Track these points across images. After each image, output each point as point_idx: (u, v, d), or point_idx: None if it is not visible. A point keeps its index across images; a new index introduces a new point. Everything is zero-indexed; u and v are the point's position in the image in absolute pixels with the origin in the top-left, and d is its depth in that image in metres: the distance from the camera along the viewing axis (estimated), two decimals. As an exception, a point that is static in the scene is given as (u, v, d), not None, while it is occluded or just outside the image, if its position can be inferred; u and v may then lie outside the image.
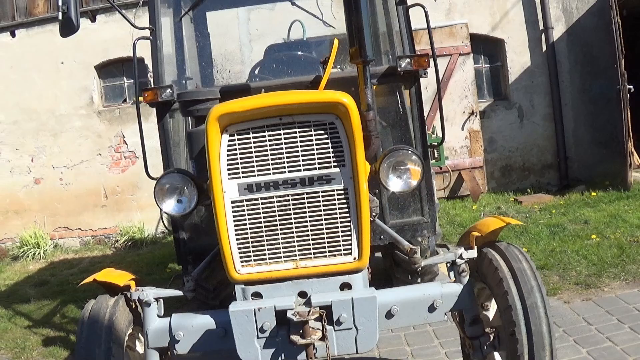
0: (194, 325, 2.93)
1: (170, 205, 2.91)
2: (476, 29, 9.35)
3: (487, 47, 9.70)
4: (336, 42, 2.84)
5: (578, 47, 9.28)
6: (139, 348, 3.22)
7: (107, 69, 9.78)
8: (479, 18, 9.35)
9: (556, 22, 9.22)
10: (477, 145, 9.58)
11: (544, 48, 9.29)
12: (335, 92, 2.73)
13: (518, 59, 9.40)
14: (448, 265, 3.07)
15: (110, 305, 2.98)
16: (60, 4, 3.82)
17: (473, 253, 3.04)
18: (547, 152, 9.54)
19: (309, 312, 2.61)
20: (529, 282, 2.81)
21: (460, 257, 3.00)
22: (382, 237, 4.17)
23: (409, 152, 2.87)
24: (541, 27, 9.29)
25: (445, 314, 2.99)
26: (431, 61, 4.03)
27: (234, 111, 2.65)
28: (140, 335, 3.15)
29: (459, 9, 9.40)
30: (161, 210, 2.94)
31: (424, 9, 4.05)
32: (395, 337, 4.55)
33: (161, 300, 3.04)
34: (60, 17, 3.82)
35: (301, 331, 2.61)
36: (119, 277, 3.08)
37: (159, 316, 3.02)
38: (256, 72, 5.12)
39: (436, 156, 8.23)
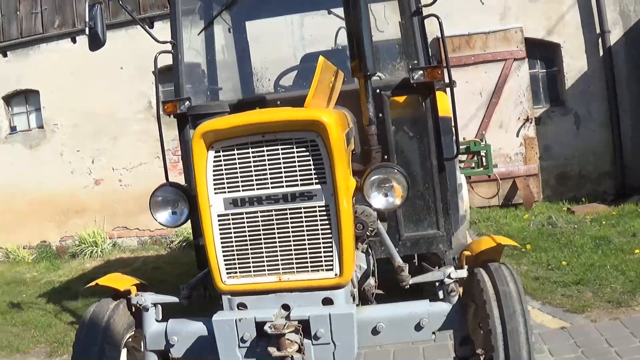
0: (188, 331, 3.06)
1: (164, 216, 3.05)
2: (531, 33, 9.07)
3: (543, 52, 9.38)
4: (321, 59, 2.86)
5: (636, 50, 8.81)
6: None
7: (165, 75, 10.14)
8: (534, 22, 9.06)
9: (613, 25, 8.80)
10: (532, 152, 9.29)
11: (601, 52, 8.89)
12: (316, 111, 2.77)
13: (574, 63, 9.05)
14: (437, 284, 3.03)
15: (111, 308, 3.16)
16: (87, 19, 4.08)
17: (462, 273, 3.00)
18: (604, 159, 9.13)
19: (285, 325, 2.67)
20: (512, 306, 2.75)
21: (449, 276, 2.97)
22: (396, 249, 4.18)
23: (394, 170, 2.87)
24: (598, 30, 8.89)
25: (433, 333, 2.96)
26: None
27: (218, 128, 2.75)
28: (144, 337, 3.32)
29: (514, 13, 9.14)
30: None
31: (438, 20, 4.00)
32: (383, 353, 4.56)
33: (159, 305, 3.19)
34: (87, 32, 4.08)
35: (277, 343, 2.68)
36: (121, 282, 3.26)
37: (157, 320, 3.18)
38: (280, 82, 5.22)
39: (484, 164, 8.09)
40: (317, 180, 2.75)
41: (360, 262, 3.41)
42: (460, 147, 8.20)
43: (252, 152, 2.78)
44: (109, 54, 9.96)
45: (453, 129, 4.14)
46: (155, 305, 3.18)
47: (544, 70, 9.50)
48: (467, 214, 5.49)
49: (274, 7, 6.14)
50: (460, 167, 8.42)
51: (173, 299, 3.22)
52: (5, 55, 10.46)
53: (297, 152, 2.75)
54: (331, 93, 3.50)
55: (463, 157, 8.75)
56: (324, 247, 2.80)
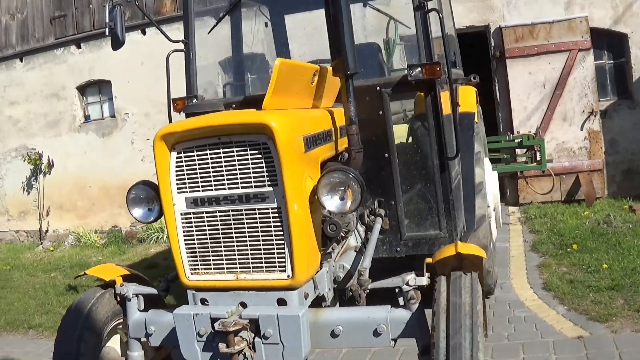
0: (163, 322, 3.20)
1: (139, 212, 3.18)
2: (597, 22, 8.55)
3: (609, 42, 8.82)
4: (278, 62, 2.87)
5: None
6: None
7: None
8: (600, 11, 8.52)
9: (684, 13, 8.13)
10: (597, 146, 8.81)
11: (671, 42, 8.24)
12: (266, 114, 2.80)
13: (643, 54, 8.45)
14: (397, 291, 2.97)
15: (96, 297, 3.36)
16: (107, 21, 4.30)
17: (422, 280, 2.93)
18: (673, 155, 8.49)
19: (233, 323, 2.74)
20: (460, 319, 2.65)
21: (407, 283, 2.91)
22: (398, 249, 4.13)
23: (348, 174, 2.83)
24: (667, 19, 8.24)
25: (393, 340, 2.92)
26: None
27: (175, 131, 2.85)
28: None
29: (579, 2, 8.64)
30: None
31: (439, 15, 3.88)
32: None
33: (141, 296, 3.35)
34: (107, 33, 4.30)
35: (226, 340, 2.76)
36: (108, 272, 3.45)
37: (140, 310, 3.35)
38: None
39: (538, 159, 7.75)
40: (269, 183, 2.79)
41: (343, 261, 3.42)
42: (514, 140, 7.95)
43: (210, 154, 2.86)
44: (177, 45, 10.42)
45: (454, 128, 4.01)
46: (137, 295, 3.34)
47: (611, 62, 8.95)
48: (493, 213, 5.31)
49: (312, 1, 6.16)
50: (506, 163, 8.12)
51: (153, 291, 3.37)
52: (79, 47, 11.10)
53: (251, 154, 2.79)
54: (319, 92, 3.50)
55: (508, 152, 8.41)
56: (277, 249, 2.84)
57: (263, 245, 2.86)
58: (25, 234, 11.88)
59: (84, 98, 11.46)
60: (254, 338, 2.80)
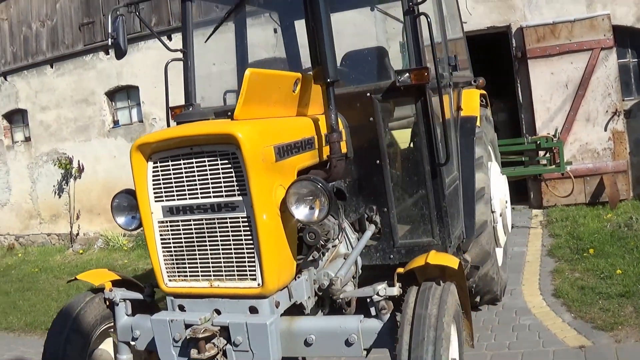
0: (148, 326, 3.24)
1: (122, 220, 3.26)
2: (620, 20, 8.32)
3: (633, 40, 8.56)
4: (248, 72, 2.89)
5: None
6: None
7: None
8: (623, 8, 8.29)
9: None
10: (622, 147, 8.57)
11: (697, 39, 7.95)
12: (234, 124, 2.83)
13: (668, 51, 8.18)
14: (368, 301, 2.94)
15: (85, 301, 3.45)
16: (109, 31, 4.41)
17: (393, 290, 2.89)
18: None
19: (203, 330, 2.78)
20: (424, 332, 2.61)
21: (378, 293, 2.88)
22: (391, 256, 4.10)
23: (314, 183, 2.82)
24: (693, 15, 7.96)
25: (366, 350, 2.89)
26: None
27: (149, 142, 2.91)
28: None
29: None
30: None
31: (427, 19, 3.84)
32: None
33: (128, 301, 3.43)
34: (109, 43, 4.41)
35: (197, 346, 2.80)
36: (98, 277, 3.52)
37: (127, 315, 3.43)
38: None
39: (557, 162, 7.59)
40: (238, 192, 2.81)
41: (330, 269, 3.42)
42: (533, 142, 7.79)
43: (184, 164, 2.91)
44: (202, 50, 10.57)
45: (444, 134, 3.95)
46: (125, 300, 3.41)
47: (635, 60, 8.70)
48: (500, 219, 5.21)
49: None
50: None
51: (139, 296, 3.44)
52: (107, 53, 11.36)
53: (221, 164, 2.83)
54: (304, 99, 3.51)
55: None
56: (247, 258, 2.87)
57: (235, 253, 2.89)
58: (56, 237, 12.23)
59: (113, 103, 11.73)
60: (225, 345, 2.84)
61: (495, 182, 5.31)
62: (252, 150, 2.73)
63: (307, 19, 3.28)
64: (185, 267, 3.02)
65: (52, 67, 12.05)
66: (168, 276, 3.07)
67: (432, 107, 3.89)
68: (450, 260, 3.00)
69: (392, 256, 4.07)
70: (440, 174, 3.94)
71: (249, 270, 2.87)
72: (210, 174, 2.86)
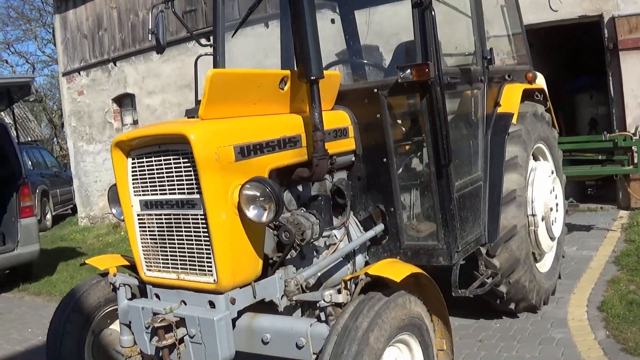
0: None
1: (115, 210, 3.49)
2: None
3: None
4: (210, 73, 2.95)
5: None
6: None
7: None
8: None
9: None
10: None
11: None
12: (188, 125, 2.92)
13: None
14: (318, 306, 2.92)
15: (90, 284, 3.75)
16: (150, 27, 4.68)
17: (339, 297, 2.85)
18: None
19: (160, 319, 2.94)
20: (345, 345, 2.56)
21: (324, 299, 2.86)
22: (397, 257, 4.02)
23: (262, 185, 2.85)
24: None
25: (315, 354, 2.84)
26: None
27: (123, 140, 3.10)
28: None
29: None
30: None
31: (432, 13, 3.66)
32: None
33: (128, 285, 3.67)
34: (150, 38, 4.70)
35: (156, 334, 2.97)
36: (105, 262, 3.79)
37: (128, 299, 3.67)
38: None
39: (635, 162, 6.95)
40: (196, 190, 2.92)
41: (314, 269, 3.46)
42: (611, 141, 7.19)
43: (155, 161, 3.06)
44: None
45: (444, 133, 3.78)
46: (125, 285, 3.66)
47: None
48: (542, 223, 4.90)
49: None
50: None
51: (136, 282, 3.67)
52: (208, 40, 11.82)
53: (183, 162, 2.95)
54: (297, 96, 3.52)
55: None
56: (205, 254, 2.98)
57: (196, 249, 3.01)
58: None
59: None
60: (185, 335, 2.98)
61: (541, 184, 4.99)
62: (204, 150, 2.81)
63: (291, 14, 3.26)
64: (159, 259, 3.19)
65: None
66: (146, 266, 3.26)
67: (439, 104, 3.73)
68: (395, 273, 2.88)
69: (398, 257, 4.00)
70: (447, 175, 3.80)
71: (207, 266, 2.98)
72: (175, 172, 2.99)
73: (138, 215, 3.22)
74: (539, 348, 4.39)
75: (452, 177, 3.86)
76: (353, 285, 2.93)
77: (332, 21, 6.39)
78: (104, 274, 3.77)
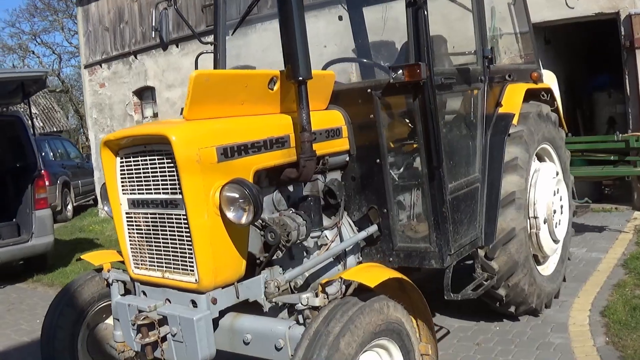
0: None
1: (107, 207, 3.54)
2: None
3: None
4: (193, 74, 2.96)
5: None
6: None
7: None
8: None
9: None
10: None
11: None
12: (169, 126, 2.94)
13: None
14: (296, 309, 2.94)
15: (85, 279, 3.82)
16: (153, 24, 4.73)
17: (315, 301, 2.86)
18: None
19: (142, 317, 2.98)
20: (315, 349, 2.56)
21: (301, 302, 2.88)
22: (390, 259, 4.01)
23: (240, 187, 2.85)
24: None
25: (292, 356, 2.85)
26: None
27: (110, 139, 3.14)
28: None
29: None
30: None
31: (424, 12, 3.61)
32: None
33: (120, 282, 3.73)
34: (153, 36, 4.75)
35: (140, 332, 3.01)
36: (99, 258, 3.85)
37: (120, 295, 3.73)
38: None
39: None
40: (179, 191, 2.94)
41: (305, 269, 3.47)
42: (623, 141, 7.05)
43: (141, 160, 3.10)
44: (313, 32, 10.73)
45: (435, 135, 3.74)
46: (117, 281, 3.72)
47: None
48: (544, 225, 4.83)
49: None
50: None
51: (127, 278, 3.72)
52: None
53: (167, 163, 2.98)
54: (288, 97, 3.51)
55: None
56: (188, 254, 3.00)
57: (179, 248, 3.05)
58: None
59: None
60: (168, 333, 3.02)
61: (544, 185, 4.91)
62: (185, 151, 2.83)
63: (279, 14, 3.25)
64: (145, 257, 3.23)
65: (177, 46, 12.89)
66: (134, 263, 3.30)
67: (431, 105, 3.69)
68: (369, 279, 2.87)
69: (391, 259, 3.99)
70: (439, 177, 3.77)
71: (189, 266, 3.01)
72: (160, 172, 3.02)
73: (126, 213, 3.26)
74: (535, 353, 4.34)
75: (445, 179, 3.82)
76: (335, 288, 2.94)
77: (340, 18, 6.36)
78: (99, 270, 3.84)
